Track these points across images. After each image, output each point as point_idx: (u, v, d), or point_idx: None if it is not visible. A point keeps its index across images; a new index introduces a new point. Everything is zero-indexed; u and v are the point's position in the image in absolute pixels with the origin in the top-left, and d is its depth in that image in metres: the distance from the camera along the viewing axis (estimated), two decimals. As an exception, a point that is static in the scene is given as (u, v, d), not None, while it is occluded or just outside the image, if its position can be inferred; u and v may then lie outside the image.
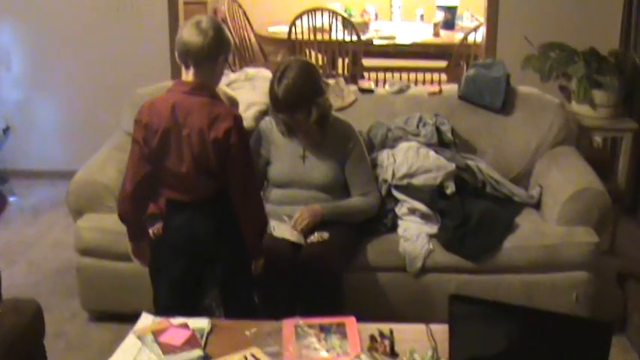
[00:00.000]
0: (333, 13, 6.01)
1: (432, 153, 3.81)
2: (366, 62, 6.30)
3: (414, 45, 6.28)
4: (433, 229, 3.61)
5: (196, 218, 2.94)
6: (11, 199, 5.36)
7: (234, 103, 3.44)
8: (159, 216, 3.10)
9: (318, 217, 3.42)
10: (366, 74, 6.28)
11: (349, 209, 3.53)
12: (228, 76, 4.30)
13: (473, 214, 3.60)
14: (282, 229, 3.38)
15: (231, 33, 6.57)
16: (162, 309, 2.98)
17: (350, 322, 2.72)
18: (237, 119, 2.85)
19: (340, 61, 6.24)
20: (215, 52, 2.86)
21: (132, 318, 2.82)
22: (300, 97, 3.34)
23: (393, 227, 3.66)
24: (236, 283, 3.07)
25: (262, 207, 3.08)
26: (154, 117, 2.86)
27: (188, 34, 2.84)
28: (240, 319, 2.83)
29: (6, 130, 5.48)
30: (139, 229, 3.07)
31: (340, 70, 6.23)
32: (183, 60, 2.87)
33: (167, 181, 2.94)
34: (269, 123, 3.59)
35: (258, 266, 3.06)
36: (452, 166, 3.76)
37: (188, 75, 2.88)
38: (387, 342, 2.58)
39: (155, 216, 3.11)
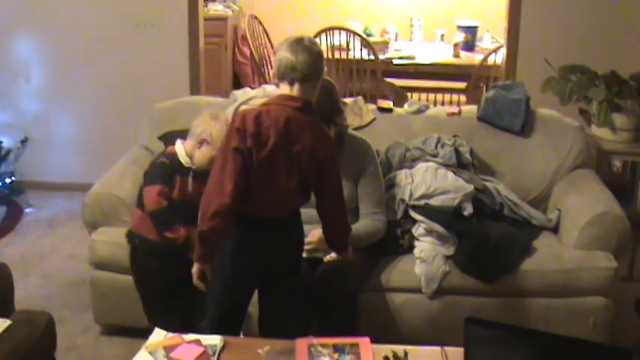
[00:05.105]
0: (352, 33, 6.00)
1: (450, 174, 3.78)
2: (386, 82, 6.29)
3: (433, 65, 6.27)
4: (450, 250, 3.58)
5: (274, 236, 2.94)
6: (27, 210, 5.37)
7: None
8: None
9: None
10: (385, 94, 6.28)
11: (357, 233, 3.40)
12: (247, 93, 4.30)
13: (490, 236, 3.57)
14: None
15: (251, 50, 6.65)
16: (217, 319, 3.03)
17: (364, 342, 2.70)
18: (332, 138, 3.02)
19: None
20: (320, 71, 2.89)
21: (144, 333, 2.81)
22: (321, 116, 3.30)
23: (410, 248, 3.64)
24: (290, 300, 3.08)
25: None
26: (264, 128, 2.79)
27: (294, 51, 2.84)
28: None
29: (24, 142, 5.52)
30: (219, 247, 2.90)
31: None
32: (286, 77, 2.83)
33: (255, 196, 2.85)
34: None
35: (348, 255, 3.14)
36: (470, 188, 3.73)
37: (292, 91, 2.84)
38: (401, 364, 2.56)
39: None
